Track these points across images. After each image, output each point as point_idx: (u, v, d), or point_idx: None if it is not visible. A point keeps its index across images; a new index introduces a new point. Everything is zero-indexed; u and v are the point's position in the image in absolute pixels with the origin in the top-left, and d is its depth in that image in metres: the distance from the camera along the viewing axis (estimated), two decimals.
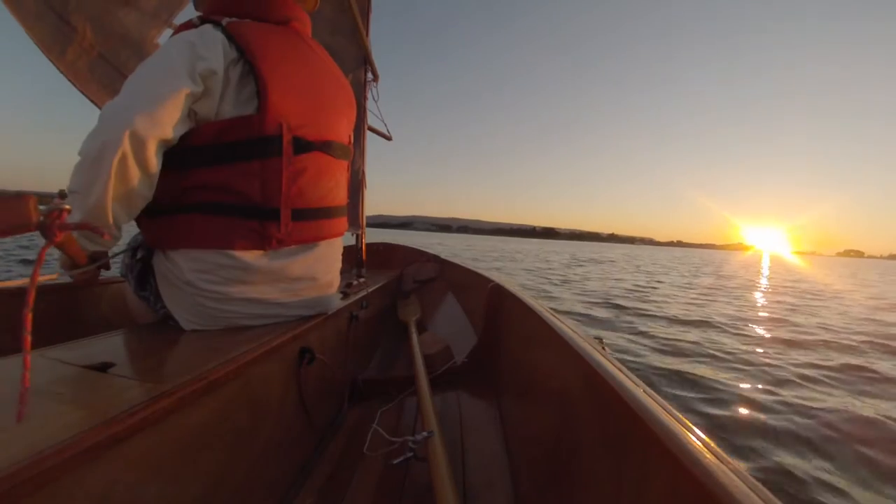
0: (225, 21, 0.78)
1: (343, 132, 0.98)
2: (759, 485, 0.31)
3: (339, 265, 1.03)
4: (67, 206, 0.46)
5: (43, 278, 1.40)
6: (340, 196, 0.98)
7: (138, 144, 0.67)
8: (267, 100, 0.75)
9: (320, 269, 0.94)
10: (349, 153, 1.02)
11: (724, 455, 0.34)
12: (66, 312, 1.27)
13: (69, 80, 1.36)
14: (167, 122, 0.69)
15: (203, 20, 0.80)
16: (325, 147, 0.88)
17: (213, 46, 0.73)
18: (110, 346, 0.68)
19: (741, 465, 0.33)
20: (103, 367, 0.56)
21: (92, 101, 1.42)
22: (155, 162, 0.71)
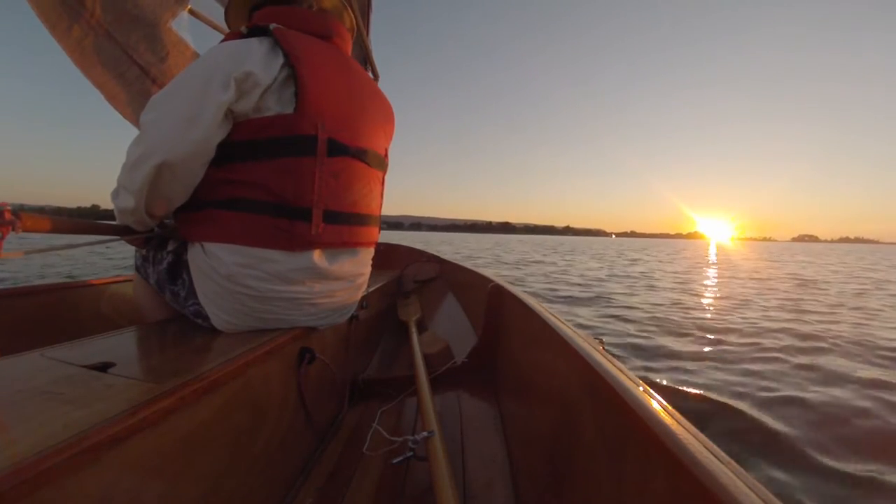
0: (272, 26, 0.79)
1: (380, 143, 0.98)
2: (759, 485, 0.31)
3: (369, 271, 1.05)
4: (9, 208, 0.62)
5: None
6: (374, 205, 0.99)
7: (173, 162, 0.71)
8: (305, 100, 0.76)
9: (356, 273, 0.96)
10: (384, 164, 1.03)
11: (724, 455, 0.34)
12: (66, 312, 1.27)
13: (73, 62, 1.28)
14: (203, 141, 0.72)
15: (250, 29, 0.81)
16: (361, 154, 0.89)
17: (255, 52, 0.75)
18: (110, 346, 0.68)
19: (741, 466, 0.33)
20: (103, 367, 0.56)
21: (96, 86, 1.34)
22: (190, 174, 0.75)
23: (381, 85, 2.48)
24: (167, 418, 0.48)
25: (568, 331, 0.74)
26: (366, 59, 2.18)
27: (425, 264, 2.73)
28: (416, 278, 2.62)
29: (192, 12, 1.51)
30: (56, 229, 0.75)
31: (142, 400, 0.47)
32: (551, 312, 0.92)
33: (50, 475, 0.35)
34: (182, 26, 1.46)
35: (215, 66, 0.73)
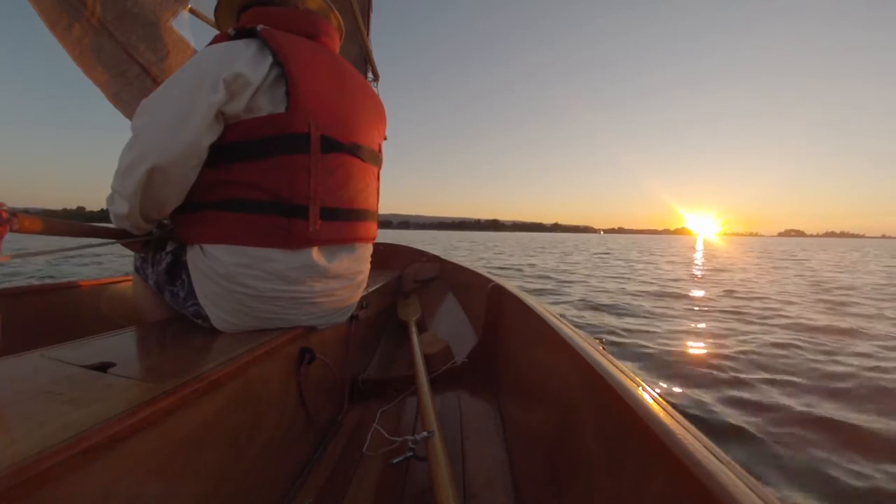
0: (259, 27, 0.79)
1: (373, 139, 0.99)
2: (760, 485, 0.31)
3: (368, 268, 1.05)
4: (5, 208, 0.62)
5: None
6: (370, 200, 0.99)
7: (164, 165, 0.72)
8: (296, 98, 0.77)
9: (355, 270, 0.96)
10: (379, 160, 1.03)
11: (724, 455, 0.34)
12: (66, 312, 1.27)
13: (73, 60, 1.29)
14: (193, 143, 0.72)
15: (237, 31, 0.81)
16: (355, 150, 0.90)
17: (243, 53, 0.75)
18: (110, 346, 0.68)
19: (741, 466, 0.33)
20: (103, 367, 0.56)
21: (97, 85, 1.35)
22: (182, 177, 0.75)
23: (380, 84, 2.47)
24: (167, 418, 0.48)
25: (568, 331, 0.74)
26: (366, 60, 2.18)
27: (425, 264, 2.73)
28: (416, 278, 2.62)
29: (192, 11, 1.52)
30: (52, 231, 0.74)
31: (141, 400, 0.46)
32: (551, 312, 0.92)
33: (50, 475, 0.35)
34: (182, 25, 1.47)
35: (204, 69, 0.73)
